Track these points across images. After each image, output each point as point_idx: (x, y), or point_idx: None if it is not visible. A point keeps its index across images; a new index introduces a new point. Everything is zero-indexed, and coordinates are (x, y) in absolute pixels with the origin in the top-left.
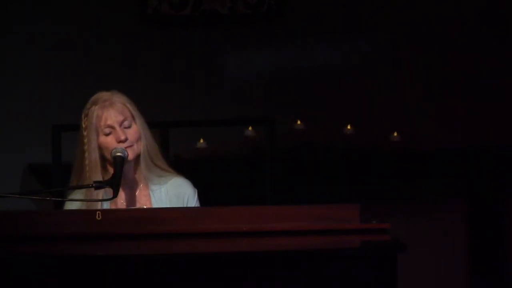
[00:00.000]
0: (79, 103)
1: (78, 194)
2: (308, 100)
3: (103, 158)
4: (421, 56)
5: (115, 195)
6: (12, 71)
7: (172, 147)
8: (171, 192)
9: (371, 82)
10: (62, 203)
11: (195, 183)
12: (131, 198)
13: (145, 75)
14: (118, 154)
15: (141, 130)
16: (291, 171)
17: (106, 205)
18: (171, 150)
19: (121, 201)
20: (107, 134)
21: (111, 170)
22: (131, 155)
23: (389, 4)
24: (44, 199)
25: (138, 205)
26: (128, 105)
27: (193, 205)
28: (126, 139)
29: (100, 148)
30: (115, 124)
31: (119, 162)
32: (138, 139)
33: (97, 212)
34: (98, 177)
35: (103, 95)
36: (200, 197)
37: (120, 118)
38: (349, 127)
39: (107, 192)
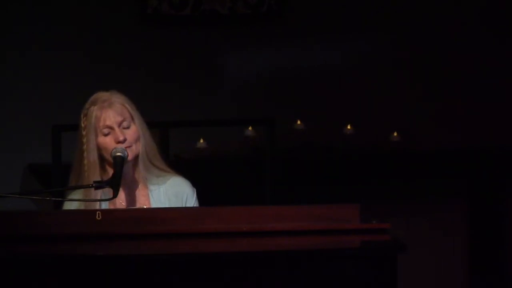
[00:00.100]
0: (79, 103)
1: (77, 195)
2: (308, 100)
3: (101, 158)
4: (421, 56)
5: (115, 195)
6: (12, 71)
7: (172, 147)
8: (169, 192)
9: (371, 82)
10: (61, 203)
11: (195, 183)
12: (130, 198)
13: (145, 75)
14: (118, 154)
15: (140, 131)
16: (291, 171)
17: (104, 205)
18: (171, 150)
19: (120, 201)
20: (106, 135)
21: (109, 170)
22: (130, 155)
23: (389, 4)
24: (44, 199)
25: (137, 205)
26: (127, 106)
27: (192, 205)
28: (124, 140)
29: (99, 148)
30: (114, 124)
31: (119, 162)
32: (137, 140)
33: (97, 212)
34: (97, 177)
35: (102, 95)
36: (200, 197)
37: (119, 118)
38: (349, 127)
39: (105, 192)
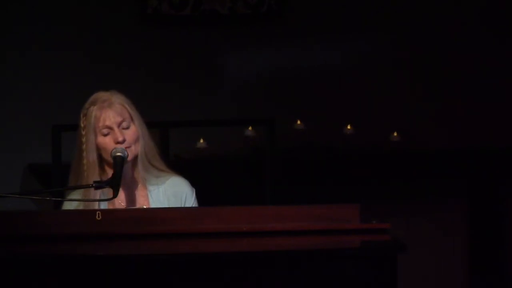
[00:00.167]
0: (79, 103)
1: (75, 195)
2: (308, 100)
3: (100, 159)
4: (421, 56)
5: (115, 195)
6: (12, 71)
7: (172, 147)
8: (168, 192)
9: (371, 82)
10: (61, 203)
11: (195, 183)
12: (129, 199)
13: (145, 75)
14: (118, 154)
15: (139, 131)
16: (291, 171)
17: (103, 206)
18: (171, 150)
19: (119, 202)
20: (105, 135)
21: (108, 171)
22: (129, 156)
23: (389, 4)
24: (44, 199)
25: (136, 206)
26: (127, 106)
27: (191, 204)
28: (124, 140)
29: (98, 148)
30: (113, 125)
31: (119, 162)
32: (136, 140)
33: (97, 212)
34: (96, 177)
35: (102, 95)
36: (200, 197)
37: (119, 119)
38: (349, 127)
39: (104, 192)
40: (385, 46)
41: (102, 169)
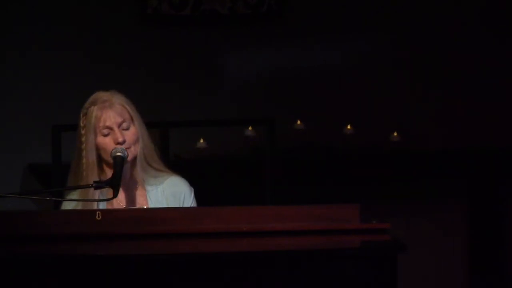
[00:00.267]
0: (79, 103)
1: (75, 195)
2: (308, 100)
3: (100, 159)
4: (421, 56)
5: (115, 195)
6: (12, 71)
7: (172, 147)
8: (167, 192)
9: (371, 82)
10: (60, 203)
11: (195, 183)
12: (129, 199)
13: (145, 75)
14: (119, 154)
15: (139, 132)
16: (291, 171)
17: (102, 206)
18: (171, 150)
19: (118, 202)
20: (105, 135)
21: (107, 171)
22: (128, 156)
23: (389, 4)
24: (44, 199)
25: (135, 206)
26: (127, 106)
27: (189, 204)
28: (124, 141)
29: (98, 148)
30: (113, 125)
31: (119, 162)
32: (136, 141)
33: (97, 212)
34: (95, 177)
35: (103, 95)
36: (200, 197)
37: (119, 119)
38: (349, 127)
39: (103, 192)
40: (385, 46)
41: (101, 169)
